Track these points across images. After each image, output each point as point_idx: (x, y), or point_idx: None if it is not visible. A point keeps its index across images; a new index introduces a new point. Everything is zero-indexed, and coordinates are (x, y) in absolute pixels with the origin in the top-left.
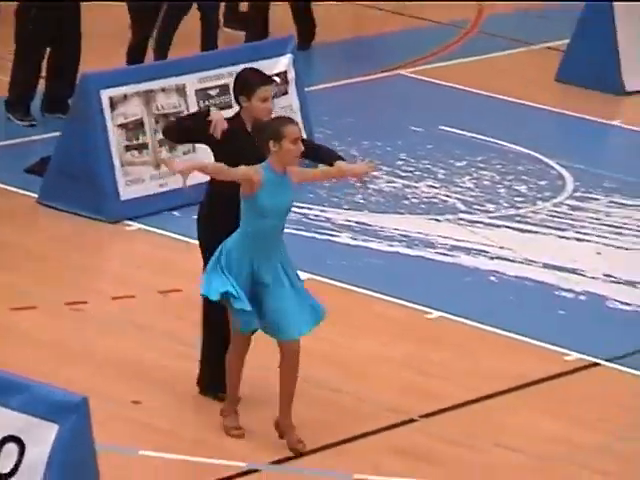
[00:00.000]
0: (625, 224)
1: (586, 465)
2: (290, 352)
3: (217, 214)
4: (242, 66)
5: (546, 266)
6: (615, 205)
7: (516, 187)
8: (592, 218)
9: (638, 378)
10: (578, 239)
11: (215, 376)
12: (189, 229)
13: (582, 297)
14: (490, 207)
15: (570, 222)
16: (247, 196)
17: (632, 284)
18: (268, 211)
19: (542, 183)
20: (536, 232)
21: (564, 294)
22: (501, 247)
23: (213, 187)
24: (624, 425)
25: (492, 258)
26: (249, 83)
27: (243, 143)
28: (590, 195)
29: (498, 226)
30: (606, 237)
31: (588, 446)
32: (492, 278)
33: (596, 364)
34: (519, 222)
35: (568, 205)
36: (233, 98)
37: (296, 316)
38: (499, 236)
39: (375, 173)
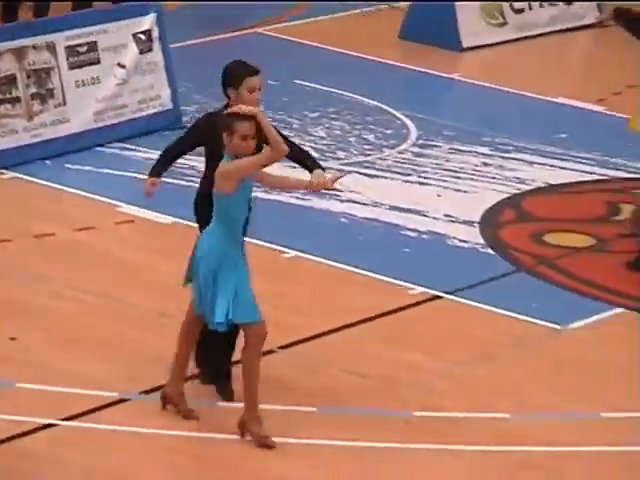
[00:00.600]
0: (462, 169)
1: (428, 388)
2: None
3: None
4: (110, 25)
5: (392, 208)
6: (454, 152)
7: (365, 136)
8: (433, 164)
9: (475, 309)
10: (421, 183)
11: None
12: (60, 177)
13: (425, 236)
14: (341, 154)
15: (414, 167)
16: (229, 192)
17: (469, 223)
18: (246, 198)
19: (388, 132)
20: (383, 177)
21: (408, 233)
22: (351, 191)
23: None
24: (462, 351)
25: (343, 201)
26: (236, 75)
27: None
28: (431, 143)
29: (349, 172)
30: (446, 181)
31: (430, 371)
32: (343, 219)
33: (438, 297)
34: (367, 168)
35: (412, 152)
36: (222, 92)
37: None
38: (349, 181)
39: None
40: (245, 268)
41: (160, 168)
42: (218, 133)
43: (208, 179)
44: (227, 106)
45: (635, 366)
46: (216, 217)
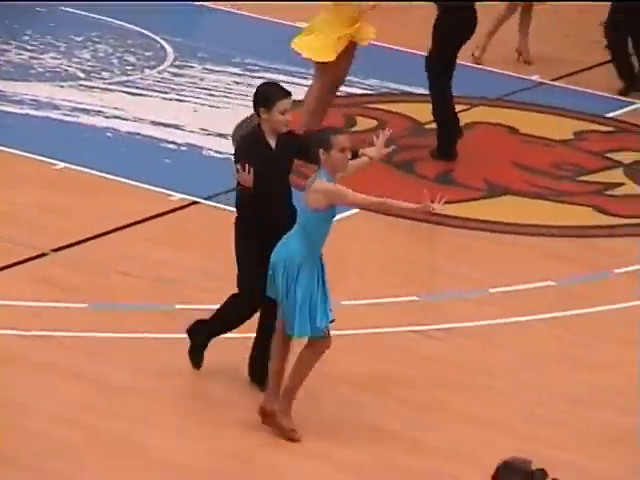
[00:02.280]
0: (216, 87)
1: (192, 284)
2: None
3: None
4: None
5: (153, 123)
6: (208, 71)
7: (127, 58)
8: (189, 82)
9: (227, 212)
10: (179, 100)
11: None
12: None
13: (183, 148)
14: (105, 75)
15: (172, 86)
16: (326, 209)
17: (223, 136)
18: (333, 216)
19: (148, 54)
20: (144, 95)
21: (168, 146)
22: (115, 108)
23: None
24: (224, 251)
25: (107, 117)
26: (269, 97)
27: (262, 158)
28: (187, 64)
29: (112, 90)
30: (201, 98)
31: (194, 269)
32: (108, 134)
33: (196, 202)
34: (130, 87)
35: (169, 72)
36: (253, 110)
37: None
38: (113, 99)
39: (5, 47)
40: (320, 281)
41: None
42: (260, 152)
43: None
44: (259, 125)
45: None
46: (299, 226)
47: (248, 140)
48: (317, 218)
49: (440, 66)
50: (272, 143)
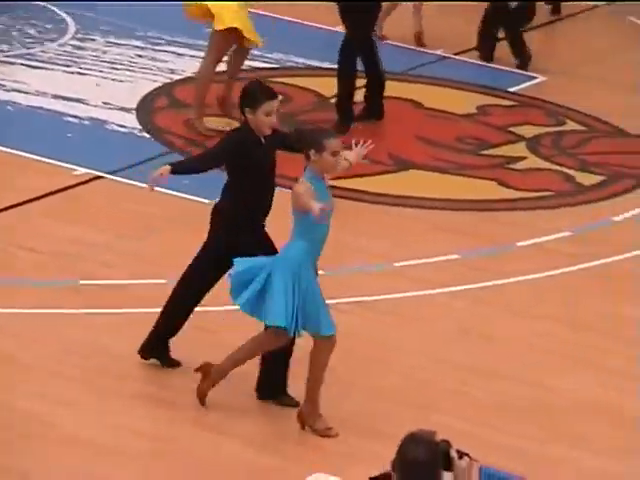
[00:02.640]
0: (119, 60)
1: (94, 259)
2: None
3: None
4: None
5: (55, 97)
6: (110, 44)
7: (27, 31)
8: (92, 56)
9: (132, 187)
10: (80, 73)
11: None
12: None
13: (86, 122)
14: (4, 47)
15: (74, 59)
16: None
17: (127, 110)
18: (324, 217)
19: (49, 27)
20: (45, 68)
21: (71, 119)
22: (15, 81)
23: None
24: (125, 226)
25: (8, 91)
26: (256, 97)
27: (256, 152)
28: (89, 37)
29: (13, 63)
30: (103, 71)
31: (96, 244)
32: (9, 107)
33: (100, 177)
34: (30, 60)
35: (71, 45)
36: (239, 109)
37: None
38: (14, 72)
39: None
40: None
41: (181, 170)
42: (246, 151)
43: (231, 195)
44: (245, 125)
45: None
46: (296, 233)
47: (239, 138)
48: (301, 220)
49: (357, 45)
50: (261, 138)
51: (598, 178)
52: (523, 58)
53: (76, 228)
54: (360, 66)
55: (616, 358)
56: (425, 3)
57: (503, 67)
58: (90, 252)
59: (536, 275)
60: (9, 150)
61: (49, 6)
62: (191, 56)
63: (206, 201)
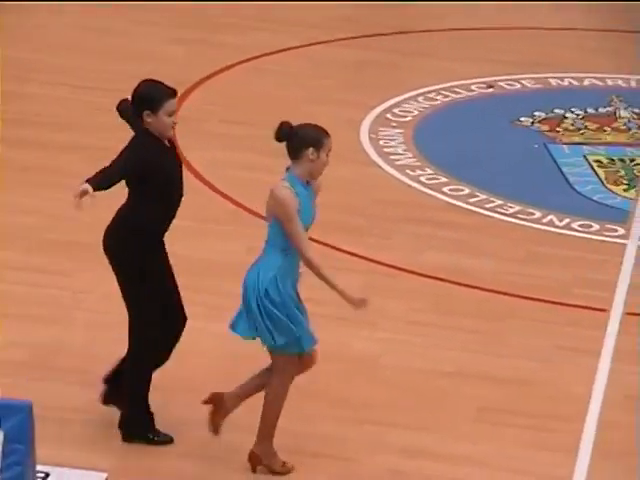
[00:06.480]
0: None
1: None
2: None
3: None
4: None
5: None
6: None
7: None
8: None
9: None
10: None
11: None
12: None
13: None
14: None
15: None
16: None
17: None
18: (307, 225)
19: None
20: None
21: None
22: None
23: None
24: None
25: None
26: (154, 97)
27: (166, 159)
28: None
29: None
30: None
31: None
32: None
33: None
34: None
35: None
36: (134, 113)
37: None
38: None
39: None
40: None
41: (101, 184)
42: (152, 160)
43: (137, 208)
44: (147, 130)
45: None
46: (271, 246)
47: (144, 147)
48: (278, 229)
49: None
50: (166, 142)
51: None
52: None
53: None
54: None
55: None
56: None
57: None
58: None
59: None
60: None
61: None
62: None
63: None
